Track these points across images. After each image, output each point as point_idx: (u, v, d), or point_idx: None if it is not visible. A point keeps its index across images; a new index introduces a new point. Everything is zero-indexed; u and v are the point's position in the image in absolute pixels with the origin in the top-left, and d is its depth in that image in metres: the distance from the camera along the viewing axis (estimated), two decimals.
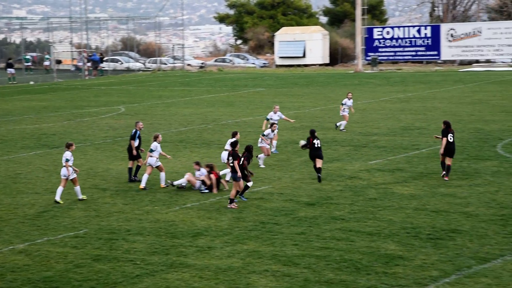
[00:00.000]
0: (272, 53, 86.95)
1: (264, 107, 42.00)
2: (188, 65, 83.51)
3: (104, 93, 55.20)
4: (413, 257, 14.67)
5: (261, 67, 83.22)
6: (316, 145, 22.00)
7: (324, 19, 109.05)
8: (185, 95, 51.48)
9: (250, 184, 19.69)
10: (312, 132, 22.33)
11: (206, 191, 21.08)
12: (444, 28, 75.50)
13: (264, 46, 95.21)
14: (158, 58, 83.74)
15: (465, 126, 31.73)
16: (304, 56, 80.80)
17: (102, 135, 32.91)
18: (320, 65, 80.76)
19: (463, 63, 75.91)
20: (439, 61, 77.28)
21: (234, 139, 21.46)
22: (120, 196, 20.91)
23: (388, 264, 14.38)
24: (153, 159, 21.68)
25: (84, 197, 20.63)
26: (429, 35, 75.65)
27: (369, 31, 78.15)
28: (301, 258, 14.90)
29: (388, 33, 78.19)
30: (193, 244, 16.09)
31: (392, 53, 78.00)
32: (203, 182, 21.16)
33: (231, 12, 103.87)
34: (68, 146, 20.31)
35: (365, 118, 35.68)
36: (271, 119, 27.35)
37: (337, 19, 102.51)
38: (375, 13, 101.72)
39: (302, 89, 53.19)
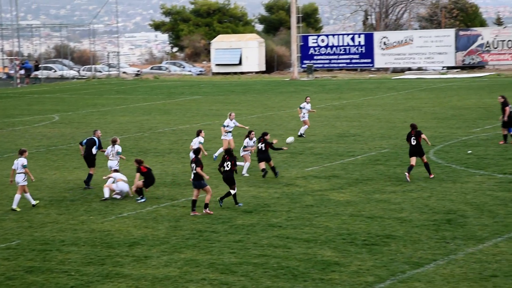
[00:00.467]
0: (209, 60, 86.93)
1: (201, 115, 41.95)
2: (124, 72, 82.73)
3: (37, 101, 54.20)
4: (349, 263, 14.83)
5: (198, 74, 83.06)
6: (259, 148, 23.25)
7: (260, 27, 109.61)
8: (121, 103, 50.97)
9: (233, 192, 19.65)
10: (263, 134, 23.59)
11: (142, 200, 20.88)
12: (377, 36, 76.79)
13: (200, 54, 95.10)
14: (93, 65, 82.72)
15: (399, 132, 32.27)
16: (240, 63, 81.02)
17: (36, 144, 32.30)
18: (257, 72, 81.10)
19: (396, 70, 77.30)
20: (372, 69, 78.53)
21: (197, 147, 21.34)
22: (54, 206, 20.55)
23: (325, 270, 14.49)
24: (114, 162, 22.15)
25: (18, 209, 20.22)
26: (362, 43, 76.82)
27: (304, 39, 78.90)
28: (239, 266, 14.89)
29: (323, 41, 79.08)
30: (130, 254, 15.91)
31: (327, 61, 78.90)
32: (138, 191, 20.96)
33: (167, 19, 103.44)
34: (22, 153, 20.45)
35: (301, 125, 35.95)
36: (228, 126, 27.37)
37: (273, 27, 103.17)
38: (310, 21, 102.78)
39: (239, 97, 53.30)
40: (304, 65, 77.52)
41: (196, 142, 24.69)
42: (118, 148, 22.51)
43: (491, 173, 22.88)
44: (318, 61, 78.79)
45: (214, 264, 15.04)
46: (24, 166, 20.29)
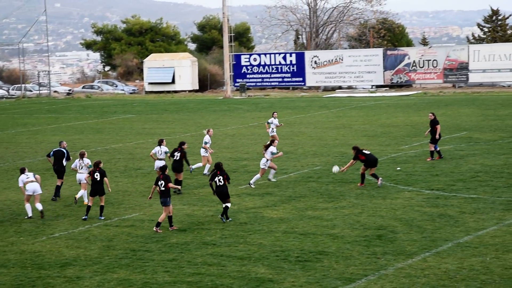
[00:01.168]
0: (142, 79, 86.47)
1: (134, 134, 41.70)
2: (55, 91, 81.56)
3: None
4: (282, 280, 14.99)
5: (131, 93, 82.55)
6: (175, 158, 23.54)
7: (192, 46, 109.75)
8: (52, 122, 50.22)
9: (229, 204, 19.90)
10: (180, 144, 24.12)
11: (85, 218, 20.70)
12: (308, 55, 77.87)
13: (133, 73, 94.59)
14: (23, 85, 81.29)
15: (330, 150, 32.78)
16: (173, 82, 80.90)
17: None
18: (190, 91, 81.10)
19: (327, 89, 78.46)
20: (304, 87, 79.50)
21: (163, 164, 21.04)
22: None
23: (259, 287, 14.61)
24: (83, 176, 22.32)
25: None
26: (294, 62, 77.77)
27: (237, 58, 79.38)
28: (173, 285, 14.88)
29: (255, 59, 79.71)
30: (61, 275, 15.70)
31: (259, 80, 79.51)
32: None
33: (98, 38, 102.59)
34: (22, 171, 21.26)
35: (235, 144, 36.15)
36: (208, 142, 27.41)
37: (205, 46, 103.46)
38: (242, 40, 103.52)
39: (172, 115, 53.19)
40: (237, 84, 77.91)
41: (161, 152, 24.92)
42: (87, 161, 22.54)
43: (419, 189, 23.47)
44: (251, 80, 79.33)
45: (148, 284, 14.99)
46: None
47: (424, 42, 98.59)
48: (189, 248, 17.51)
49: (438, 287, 14.20)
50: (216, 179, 19.80)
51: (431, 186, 23.74)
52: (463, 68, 71.68)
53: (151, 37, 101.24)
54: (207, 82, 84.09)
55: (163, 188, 19.13)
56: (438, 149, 29.09)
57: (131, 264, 16.35)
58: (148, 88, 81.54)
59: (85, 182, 22.05)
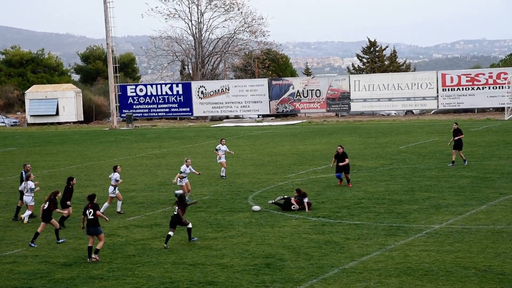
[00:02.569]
0: (23, 111, 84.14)
1: (16, 167, 40.42)
2: None
3: None
4: None
5: (12, 125, 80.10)
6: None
7: (76, 77, 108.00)
8: None
9: (190, 225, 20.80)
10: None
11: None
12: (195, 85, 78.23)
13: (14, 104, 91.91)
14: None
15: (219, 180, 32.92)
16: (57, 114, 79.19)
17: None
18: (74, 122, 79.60)
19: (214, 119, 78.95)
20: (192, 117, 79.68)
21: (92, 195, 20.21)
22: None
23: None
24: (29, 198, 24.32)
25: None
26: (181, 92, 77.91)
27: (123, 89, 78.70)
28: None
29: (141, 90, 79.28)
30: None
31: (146, 110, 79.07)
32: None
33: None
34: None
35: (122, 175, 35.60)
36: (184, 172, 27.21)
37: (90, 76, 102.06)
38: (128, 70, 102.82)
39: (56, 147, 51.95)
40: (123, 115, 77.17)
41: (113, 178, 25.43)
42: (31, 184, 24.33)
43: (306, 216, 23.90)
44: (138, 110, 78.78)
45: None
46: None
47: (308, 72, 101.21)
48: (75, 283, 17.08)
49: None
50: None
51: (317, 214, 24.24)
52: (345, 97, 73.96)
53: (32, 68, 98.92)
54: (92, 113, 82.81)
55: (92, 217, 18.98)
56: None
57: None
58: (31, 120, 79.44)
59: (31, 204, 24.42)
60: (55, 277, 17.67)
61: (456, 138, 34.00)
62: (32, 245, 20.90)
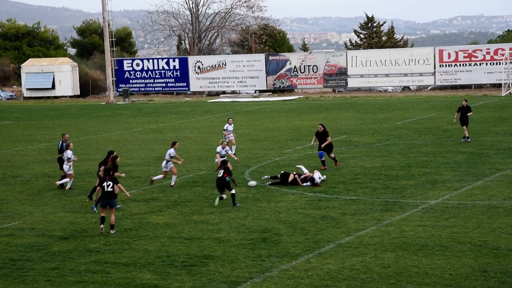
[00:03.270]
0: (19, 85, 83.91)
1: (13, 140, 40.39)
2: None
3: None
4: (168, 285, 14.92)
5: (8, 99, 79.90)
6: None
7: (72, 51, 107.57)
8: None
9: (234, 191, 21.84)
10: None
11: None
12: (191, 60, 77.97)
13: (10, 78, 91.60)
14: None
15: (215, 154, 32.92)
16: (53, 88, 78.96)
17: None
18: (71, 96, 79.41)
19: (211, 94, 78.80)
20: (188, 92, 79.55)
21: (108, 166, 20.20)
22: None
23: None
24: (67, 166, 25.14)
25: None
26: (177, 67, 77.66)
27: (119, 63, 78.42)
28: None
29: (138, 65, 79.01)
30: None
31: (143, 85, 78.88)
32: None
33: None
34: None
35: (119, 149, 35.59)
36: (219, 152, 26.61)
37: (86, 50, 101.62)
38: (124, 45, 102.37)
39: (52, 121, 51.86)
40: (120, 89, 76.99)
41: (168, 153, 25.22)
42: (69, 153, 25.26)
43: (302, 192, 23.95)
44: (134, 85, 78.57)
45: None
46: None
47: (305, 48, 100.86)
48: (72, 256, 17.13)
49: (321, 287, 14.55)
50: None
51: (313, 189, 24.28)
52: (342, 73, 73.83)
53: (28, 42, 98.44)
54: (88, 87, 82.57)
55: (111, 189, 18.88)
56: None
57: (10, 274, 15.82)
58: (27, 93, 79.24)
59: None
60: (52, 250, 17.72)
61: (468, 114, 34.17)
62: (94, 209, 21.69)
